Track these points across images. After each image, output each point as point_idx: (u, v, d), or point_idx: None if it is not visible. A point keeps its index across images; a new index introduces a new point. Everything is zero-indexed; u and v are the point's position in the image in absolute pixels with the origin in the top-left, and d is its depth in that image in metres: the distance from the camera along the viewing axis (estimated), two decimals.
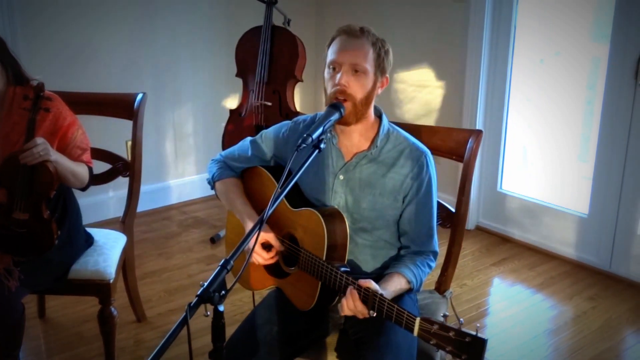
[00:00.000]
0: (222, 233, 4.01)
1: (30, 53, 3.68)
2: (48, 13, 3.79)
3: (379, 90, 1.97)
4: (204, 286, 1.43)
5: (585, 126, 4.95)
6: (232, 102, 4.57)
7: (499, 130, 4.02)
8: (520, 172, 4.31)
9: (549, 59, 4.98)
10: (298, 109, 3.93)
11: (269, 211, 1.60)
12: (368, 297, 1.72)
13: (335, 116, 1.85)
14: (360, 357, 1.84)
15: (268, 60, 3.76)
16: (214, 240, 3.97)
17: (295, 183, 2.13)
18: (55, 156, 2.28)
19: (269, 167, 2.19)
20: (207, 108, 4.59)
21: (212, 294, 1.42)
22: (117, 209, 4.11)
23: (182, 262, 3.72)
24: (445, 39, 4.09)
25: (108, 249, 2.66)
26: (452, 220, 2.29)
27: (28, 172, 2.23)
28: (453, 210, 2.29)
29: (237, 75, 3.96)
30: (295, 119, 2.19)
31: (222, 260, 1.48)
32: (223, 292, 1.45)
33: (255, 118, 3.81)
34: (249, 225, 2.04)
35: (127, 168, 2.84)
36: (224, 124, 4.22)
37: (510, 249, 3.92)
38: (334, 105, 1.87)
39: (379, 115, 2.04)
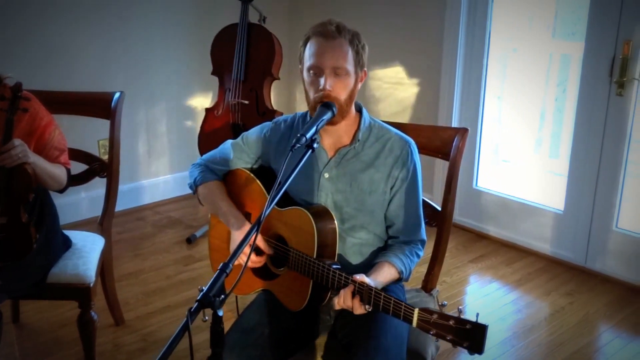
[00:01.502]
0: (199, 233, 3.96)
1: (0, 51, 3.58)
2: (19, 13, 3.69)
3: (359, 85, 1.96)
4: (204, 291, 1.39)
5: (555, 124, 5.02)
6: (206, 101, 4.52)
7: (474, 127, 4.04)
8: (496, 169, 4.35)
9: (521, 54, 5.03)
10: (274, 107, 3.90)
11: (266, 212, 1.57)
12: (363, 292, 1.71)
13: (328, 115, 1.83)
14: None
15: (245, 58, 3.72)
16: (190, 240, 3.92)
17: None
18: (34, 158, 2.21)
19: (251, 170, 2.16)
20: (181, 107, 4.53)
21: (213, 299, 1.39)
22: (90, 210, 4.05)
23: (158, 263, 3.66)
24: (421, 37, 4.11)
25: (87, 252, 2.60)
26: (438, 219, 2.29)
27: (6, 175, 2.16)
28: (439, 208, 2.29)
29: (213, 73, 3.91)
30: (275, 119, 2.16)
31: (221, 265, 1.46)
32: (222, 296, 1.41)
33: (232, 116, 3.77)
34: (236, 227, 2.01)
35: (104, 169, 2.78)
36: (198, 123, 4.17)
37: (487, 246, 3.95)
38: (326, 104, 1.85)
39: (359, 110, 2.03)
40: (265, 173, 2.14)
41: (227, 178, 2.18)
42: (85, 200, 4.06)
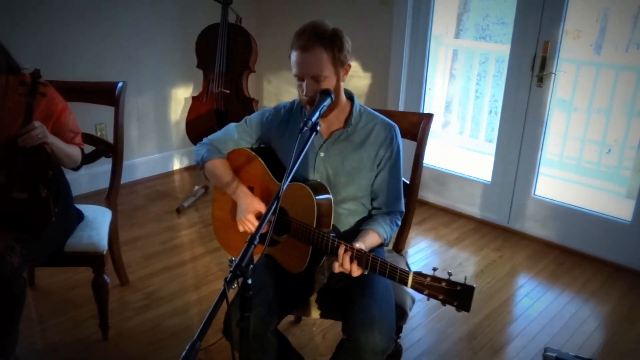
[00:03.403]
0: (186, 204, 3.77)
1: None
2: (20, 7, 3.37)
3: (344, 78, 1.84)
4: (236, 262, 1.26)
5: (476, 110, 5.04)
6: (187, 91, 4.30)
7: (418, 111, 3.96)
8: (436, 147, 4.31)
9: (459, 54, 5.01)
10: (250, 95, 3.72)
11: (283, 187, 1.45)
12: (362, 257, 1.62)
13: (327, 101, 1.71)
14: (348, 311, 1.73)
15: (226, 53, 3.52)
16: (179, 210, 3.73)
17: (280, 161, 1.99)
18: (52, 139, 2.00)
19: (252, 149, 2.02)
20: (166, 95, 4.27)
21: (245, 269, 1.25)
22: (89, 185, 3.80)
23: (153, 231, 3.47)
24: (372, 36, 3.98)
25: (98, 224, 2.41)
26: (406, 191, 2.20)
27: (26, 154, 1.95)
28: (407, 182, 2.21)
29: (198, 66, 3.70)
30: (276, 105, 2.03)
31: (249, 237, 1.32)
32: (251, 265, 1.28)
33: (215, 103, 3.58)
34: (242, 197, 1.90)
35: (109, 149, 2.57)
36: (180, 109, 3.96)
37: (427, 210, 3.92)
38: (324, 91, 1.73)
39: (350, 98, 1.92)
40: (265, 152, 2.01)
41: (230, 156, 2.03)
42: (84, 176, 3.78)
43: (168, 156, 4.40)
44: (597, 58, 4.61)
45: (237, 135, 2.01)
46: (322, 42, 1.73)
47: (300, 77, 1.77)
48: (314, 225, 1.76)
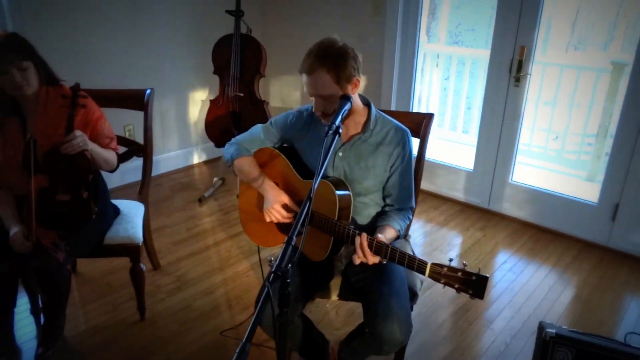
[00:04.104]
0: (207, 194, 3.64)
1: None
2: (48, 19, 3.18)
3: (354, 91, 1.67)
4: (277, 262, 1.14)
5: (467, 108, 4.92)
6: (204, 94, 4.13)
7: (407, 109, 3.84)
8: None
9: (439, 58, 4.87)
10: (262, 97, 3.57)
11: (314, 186, 1.32)
12: (381, 248, 1.51)
13: (347, 105, 1.58)
14: (369, 304, 1.61)
15: (240, 61, 3.36)
16: (200, 200, 3.59)
17: (302, 160, 1.86)
18: (91, 146, 1.86)
19: (276, 147, 1.90)
20: (185, 98, 4.10)
21: (286, 269, 1.14)
22: (120, 179, 3.65)
23: (179, 219, 3.33)
24: (366, 44, 3.84)
25: (132, 217, 2.27)
26: None
27: (69, 161, 1.81)
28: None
29: (214, 72, 3.53)
30: (298, 108, 1.90)
31: (286, 238, 1.20)
32: (289, 265, 1.16)
33: (231, 106, 3.42)
34: (269, 191, 1.79)
35: (140, 150, 2.42)
36: (198, 110, 3.81)
37: (418, 195, 3.80)
38: (344, 96, 1.60)
39: (367, 104, 1.78)
40: (288, 150, 1.88)
41: (256, 154, 1.90)
42: (116, 172, 3.63)
43: (188, 152, 4.25)
44: (544, 58, 4.48)
45: (263, 135, 1.88)
46: (324, 64, 1.58)
47: (311, 95, 1.66)
48: (336, 218, 1.64)
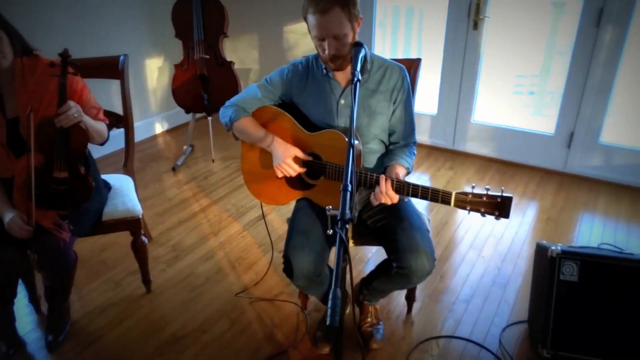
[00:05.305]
0: (180, 162, 3.50)
1: None
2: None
3: (357, 30, 1.65)
4: (340, 211, 1.12)
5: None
6: (160, 60, 3.88)
7: None
8: None
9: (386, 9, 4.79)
10: (227, 57, 3.41)
11: (352, 139, 1.29)
12: (402, 186, 1.52)
13: (362, 53, 1.54)
14: (394, 241, 1.64)
15: (202, 21, 3.17)
16: (174, 169, 3.45)
17: (303, 113, 1.82)
18: (85, 117, 1.71)
19: (276, 105, 1.83)
20: (142, 65, 3.84)
21: (349, 214, 1.13)
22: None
23: (157, 190, 3.19)
24: None
25: (125, 191, 2.15)
26: None
27: (64, 134, 1.65)
28: None
29: (176, 36, 3.31)
30: (292, 62, 1.83)
31: (342, 186, 1.19)
32: (350, 210, 1.15)
33: (198, 69, 3.25)
34: (277, 146, 1.74)
35: (119, 120, 2.26)
36: (163, 76, 3.58)
37: None
38: (356, 44, 1.56)
39: (360, 46, 1.75)
40: (286, 107, 1.82)
41: (256, 114, 1.82)
42: None
43: (149, 122, 4.02)
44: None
45: (260, 94, 1.80)
46: (339, 2, 1.54)
47: (321, 38, 1.59)
48: None
